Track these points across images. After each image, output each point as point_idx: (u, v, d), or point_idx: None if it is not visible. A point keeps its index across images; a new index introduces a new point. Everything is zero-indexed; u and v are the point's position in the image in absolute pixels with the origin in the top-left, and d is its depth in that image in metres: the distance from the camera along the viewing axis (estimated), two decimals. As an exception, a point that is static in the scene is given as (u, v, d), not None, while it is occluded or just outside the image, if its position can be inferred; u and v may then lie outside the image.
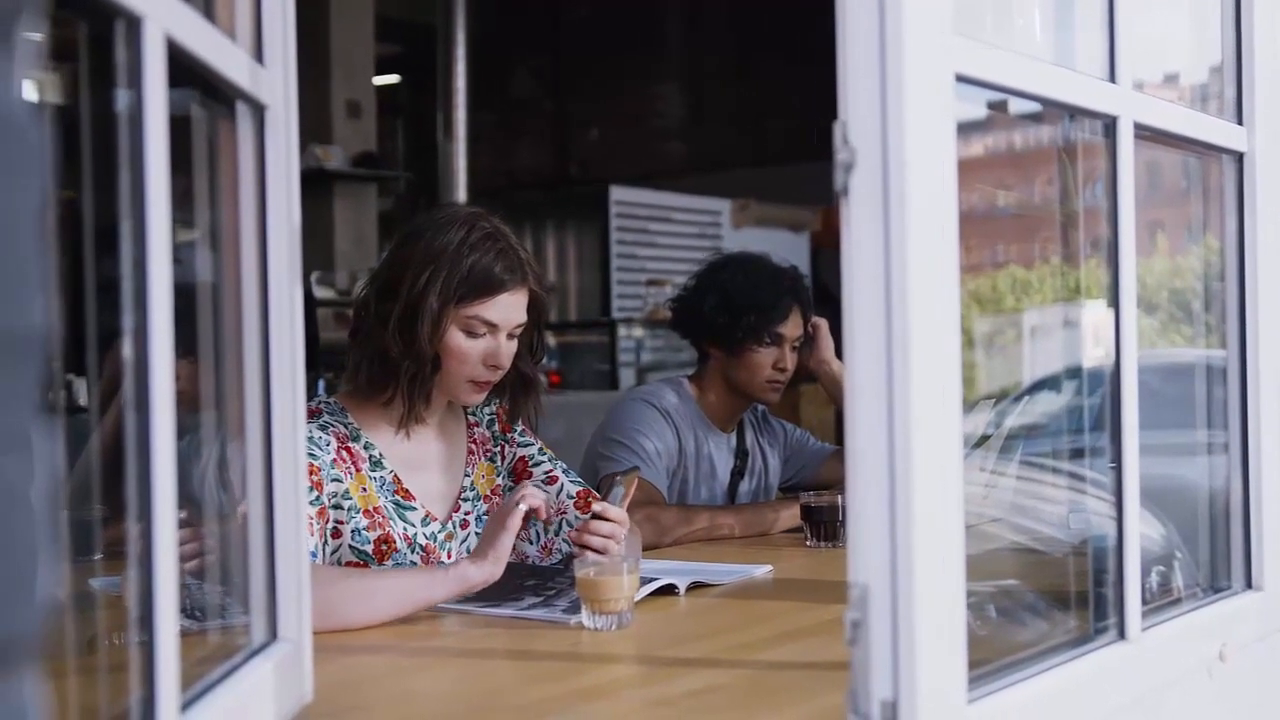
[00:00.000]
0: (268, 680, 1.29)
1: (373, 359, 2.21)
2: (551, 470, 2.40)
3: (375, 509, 2.20)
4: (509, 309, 2.21)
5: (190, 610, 1.30)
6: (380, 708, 1.57)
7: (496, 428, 2.42)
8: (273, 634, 1.36)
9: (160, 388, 0.99)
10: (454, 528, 2.30)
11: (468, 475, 2.36)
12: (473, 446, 2.38)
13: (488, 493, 2.38)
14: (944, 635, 1.19)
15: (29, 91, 0.61)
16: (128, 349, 0.98)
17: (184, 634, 1.05)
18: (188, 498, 1.14)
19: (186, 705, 1.08)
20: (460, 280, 2.16)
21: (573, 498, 2.36)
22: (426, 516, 2.26)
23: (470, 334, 2.19)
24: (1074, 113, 1.55)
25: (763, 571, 2.36)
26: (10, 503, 0.55)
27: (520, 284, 2.21)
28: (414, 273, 2.16)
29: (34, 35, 0.62)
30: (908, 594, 1.15)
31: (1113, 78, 1.50)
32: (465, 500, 2.34)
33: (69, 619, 1.15)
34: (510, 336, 2.23)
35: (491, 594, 2.03)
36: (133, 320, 0.98)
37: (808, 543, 2.68)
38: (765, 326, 2.99)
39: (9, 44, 0.59)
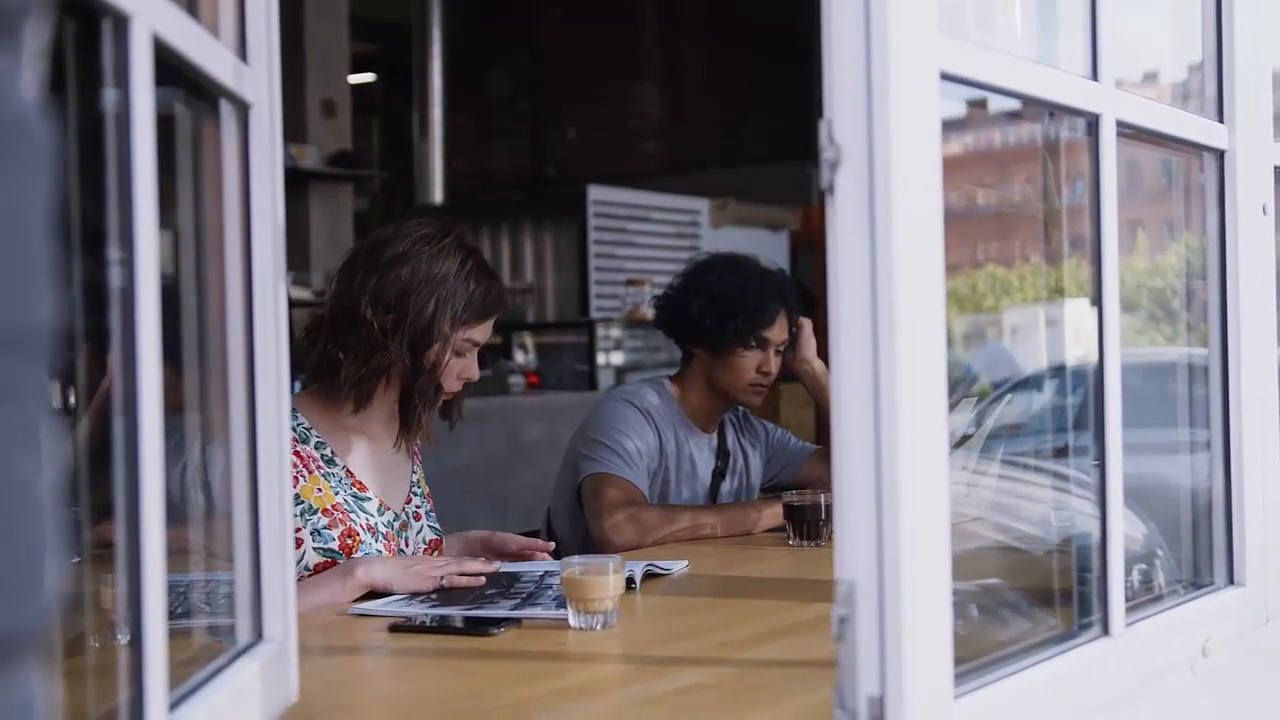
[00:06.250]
0: (254, 681, 1.28)
1: (376, 373, 2.26)
2: (422, 506, 2.47)
3: (334, 506, 2.24)
4: (490, 329, 2.35)
5: (173, 610, 1.29)
6: (365, 708, 1.57)
7: (418, 445, 2.51)
8: (258, 634, 1.36)
9: (148, 389, 0.98)
10: (408, 518, 2.39)
11: (415, 472, 2.46)
12: (416, 448, 2.47)
13: (426, 492, 2.49)
14: (931, 631, 1.19)
15: (36, 90, 0.61)
16: (115, 351, 0.97)
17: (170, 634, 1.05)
18: (170, 500, 1.13)
19: (174, 705, 1.07)
20: (465, 305, 2.27)
21: (425, 543, 2.43)
22: (381, 506, 2.33)
23: (459, 354, 2.30)
24: (1057, 110, 1.55)
25: (679, 568, 2.35)
26: (22, 498, 0.55)
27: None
28: (419, 298, 2.24)
29: (41, 33, 0.62)
30: (895, 590, 1.15)
31: (1095, 76, 1.51)
32: (415, 494, 2.44)
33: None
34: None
35: (471, 600, 2.02)
36: (120, 321, 0.97)
37: (790, 542, 2.68)
38: (751, 330, 2.97)
39: (15, 43, 0.59)
